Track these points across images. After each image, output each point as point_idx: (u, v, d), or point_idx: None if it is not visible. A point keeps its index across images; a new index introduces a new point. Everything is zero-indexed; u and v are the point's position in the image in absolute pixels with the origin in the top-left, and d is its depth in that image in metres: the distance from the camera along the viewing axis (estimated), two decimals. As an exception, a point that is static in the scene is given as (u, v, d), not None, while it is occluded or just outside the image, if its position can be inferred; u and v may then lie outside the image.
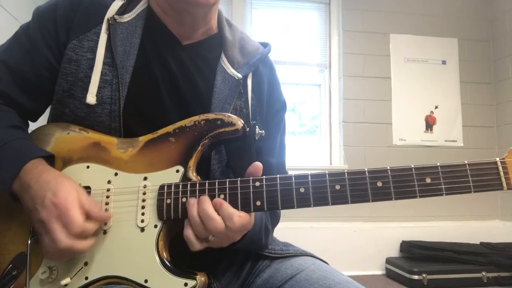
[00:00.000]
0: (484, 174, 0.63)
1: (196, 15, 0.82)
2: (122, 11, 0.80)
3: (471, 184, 0.63)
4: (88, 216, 0.66)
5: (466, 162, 0.64)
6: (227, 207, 0.65)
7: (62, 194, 0.64)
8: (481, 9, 3.48)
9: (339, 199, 0.65)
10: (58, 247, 0.63)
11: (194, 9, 0.80)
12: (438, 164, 0.64)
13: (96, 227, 0.67)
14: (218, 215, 0.65)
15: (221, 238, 0.66)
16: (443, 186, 0.63)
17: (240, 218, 0.65)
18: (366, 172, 0.65)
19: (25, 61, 0.78)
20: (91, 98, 0.74)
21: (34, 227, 0.67)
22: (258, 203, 0.66)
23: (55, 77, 0.78)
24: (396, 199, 0.64)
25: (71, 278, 0.68)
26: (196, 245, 0.66)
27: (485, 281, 2.52)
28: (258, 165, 0.69)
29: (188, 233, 0.66)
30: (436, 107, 3.31)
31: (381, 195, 0.64)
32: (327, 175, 0.66)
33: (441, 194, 0.63)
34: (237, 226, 0.65)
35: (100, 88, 0.75)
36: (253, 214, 0.69)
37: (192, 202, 0.66)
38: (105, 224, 0.69)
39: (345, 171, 0.65)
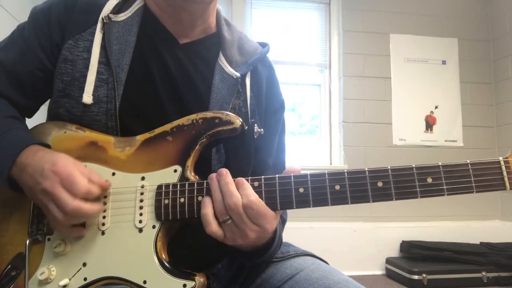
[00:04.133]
0: (487, 173, 0.61)
1: (194, 12, 0.82)
2: (117, 9, 0.80)
3: (473, 184, 0.61)
4: (89, 181, 0.67)
5: (468, 161, 0.62)
6: (248, 187, 0.64)
7: (61, 163, 0.65)
8: (481, 9, 3.48)
9: (339, 199, 0.64)
10: (66, 210, 0.63)
11: (191, 6, 0.80)
12: (440, 163, 0.63)
13: (99, 192, 0.68)
14: (239, 193, 0.63)
15: (237, 225, 0.64)
16: (444, 187, 0.62)
17: (259, 201, 0.63)
18: (366, 172, 0.64)
19: (19, 61, 0.78)
20: (87, 97, 0.74)
21: (38, 202, 0.67)
22: None
23: (49, 77, 0.78)
24: (397, 199, 0.63)
25: (69, 279, 0.67)
26: (213, 226, 0.64)
27: (485, 281, 2.51)
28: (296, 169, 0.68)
29: (207, 211, 0.64)
30: (436, 107, 3.31)
31: (382, 195, 0.63)
32: (326, 175, 0.65)
33: (443, 195, 0.62)
34: (254, 208, 0.63)
35: (96, 87, 0.75)
36: (276, 218, 0.67)
37: (212, 176, 0.66)
38: (103, 224, 0.69)
39: (345, 171, 0.64)
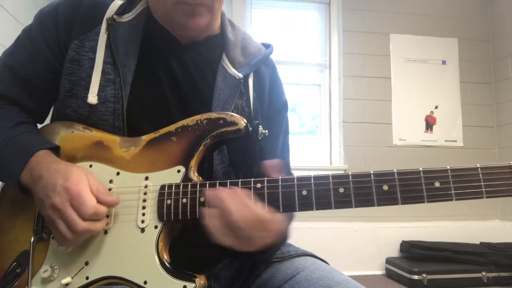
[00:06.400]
0: (497, 178, 0.58)
1: (196, 32, 0.82)
2: (121, 10, 0.80)
3: (484, 189, 0.58)
4: (98, 200, 0.66)
5: (478, 165, 0.59)
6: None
7: (73, 179, 0.66)
8: (481, 9, 3.48)
9: (343, 203, 0.62)
10: (75, 230, 0.63)
11: (191, 32, 0.81)
12: (448, 167, 0.60)
13: (107, 210, 0.68)
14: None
15: (252, 231, 0.63)
16: (453, 191, 0.59)
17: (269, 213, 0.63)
18: (372, 175, 0.61)
19: (28, 64, 0.78)
20: (92, 97, 0.74)
21: (45, 216, 0.67)
22: None
23: (57, 78, 0.78)
24: (403, 203, 0.60)
25: (72, 278, 0.68)
26: (226, 239, 0.63)
27: (485, 281, 2.52)
28: (277, 162, 0.68)
29: (214, 223, 0.63)
30: (436, 107, 3.31)
31: (387, 199, 0.60)
32: (330, 177, 0.63)
33: (451, 199, 0.59)
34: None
35: (103, 87, 0.75)
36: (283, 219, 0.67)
37: (218, 195, 0.64)
38: (106, 224, 0.69)
39: (350, 173, 0.62)
